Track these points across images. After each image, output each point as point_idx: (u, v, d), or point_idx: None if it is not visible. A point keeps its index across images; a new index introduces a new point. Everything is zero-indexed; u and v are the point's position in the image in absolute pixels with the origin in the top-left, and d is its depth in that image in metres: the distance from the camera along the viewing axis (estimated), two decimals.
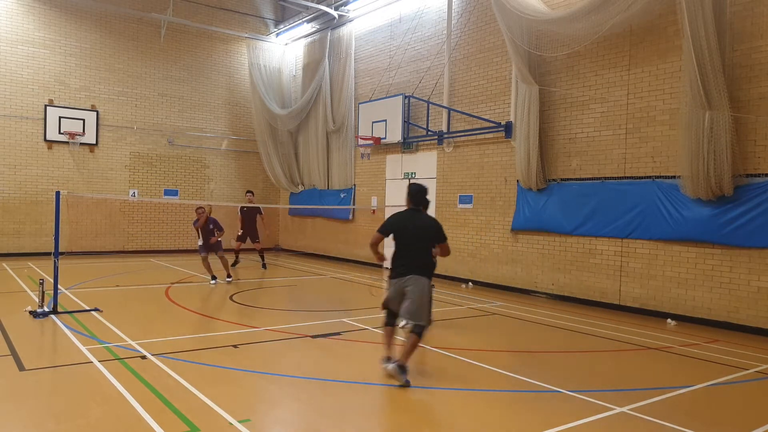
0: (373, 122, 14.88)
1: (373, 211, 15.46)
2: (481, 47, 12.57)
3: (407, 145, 14.41)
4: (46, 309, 8.05)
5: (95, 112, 16.43)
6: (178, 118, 17.87)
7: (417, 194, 5.84)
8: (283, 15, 19.12)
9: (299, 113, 17.85)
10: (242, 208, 14.22)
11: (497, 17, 11.12)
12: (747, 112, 8.27)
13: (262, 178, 19.37)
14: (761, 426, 4.67)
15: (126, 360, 5.96)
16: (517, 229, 11.61)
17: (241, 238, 14.05)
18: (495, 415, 4.85)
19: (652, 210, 9.37)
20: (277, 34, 18.92)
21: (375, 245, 5.77)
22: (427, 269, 5.70)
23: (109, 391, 5.01)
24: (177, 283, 11.55)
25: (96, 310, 8.44)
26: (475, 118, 12.51)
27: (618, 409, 4.92)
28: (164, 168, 17.70)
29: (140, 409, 4.59)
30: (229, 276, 11.85)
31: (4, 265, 13.56)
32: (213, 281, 11.55)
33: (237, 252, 14.18)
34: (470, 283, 12.49)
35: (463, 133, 12.89)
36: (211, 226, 11.62)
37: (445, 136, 13.28)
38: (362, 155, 15.20)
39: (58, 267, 8.44)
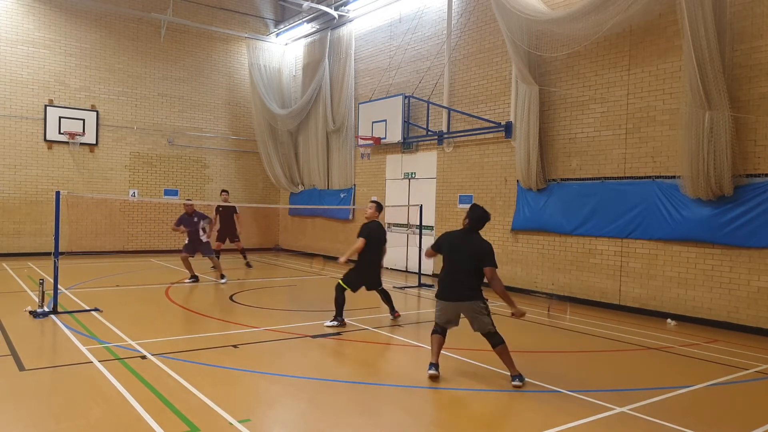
0: (373, 122, 14.88)
1: None
2: (481, 47, 12.57)
3: (407, 145, 14.41)
4: (46, 309, 8.06)
5: (95, 112, 16.43)
6: (178, 118, 17.87)
7: (479, 220, 5.79)
8: (283, 15, 19.12)
9: (299, 113, 17.85)
10: (218, 207, 14.11)
11: (497, 17, 11.12)
12: (747, 112, 8.27)
13: (262, 178, 19.37)
14: (761, 426, 4.68)
15: (126, 360, 5.96)
16: (517, 229, 11.61)
17: (219, 238, 13.93)
18: (495, 414, 4.85)
19: (652, 210, 9.37)
20: (277, 34, 18.92)
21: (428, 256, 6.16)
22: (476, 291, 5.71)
23: (109, 391, 5.01)
24: (177, 283, 11.55)
25: (96, 310, 8.44)
26: (475, 118, 12.51)
27: (618, 409, 4.92)
28: (164, 168, 17.71)
29: (140, 409, 4.59)
30: (222, 277, 11.83)
31: (4, 265, 13.56)
32: (191, 280, 11.61)
33: (217, 253, 14.03)
34: None
35: (463, 133, 12.89)
36: (195, 219, 11.59)
37: (445, 136, 13.28)
38: (362, 155, 15.20)
39: (58, 267, 8.44)
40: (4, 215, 15.33)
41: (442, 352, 5.85)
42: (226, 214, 13.99)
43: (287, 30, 18.46)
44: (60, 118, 15.83)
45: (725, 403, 5.41)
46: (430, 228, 13.59)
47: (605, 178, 10.13)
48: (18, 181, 15.47)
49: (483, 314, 5.64)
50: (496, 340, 5.64)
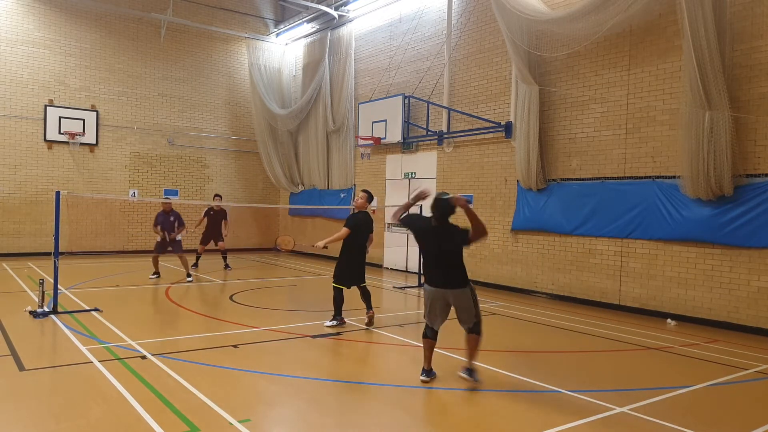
0: (373, 122, 14.88)
1: (373, 211, 15.42)
2: (481, 47, 12.57)
3: (407, 145, 14.41)
4: (46, 309, 8.06)
5: (95, 112, 16.43)
6: (178, 118, 17.87)
7: (445, 213, 5.72)
8: (283, 15, 19.12)
9: (299, 113, 17.85)
10: (209, 210, 14.00)
11: (497, 17, 11.12)
12: (747, 112, 8.27)
13: (262, 178, 19.37)
14: (761, 426, 4.67)
15: (126, 360, 5.96)
16: (517, 229, 11.61)
17: (203, 241, 13.86)
18: (495, 414, 4.85)
19: (652, 210, 9.37)
20: (277, 34, 18.92)
21: None
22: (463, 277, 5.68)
23: (109, 391, 5.01)
24: (177, 283, 11.55)
25: (96, 310, 8.44)
26: (475, 118, 12.51)
27: (618, 409, 4.92)
28: (164, 168, 17.71)
29: (140, 408, 4.59)
30: (189, 276, 11.83)
31: (4, 265, 13.56)
32: (154, 276, 11.86)
33: (199, 254, 13.90)
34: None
35: (463, 133, 12.89)
36: (172, 218, 11.68)
37: (445, 136, 13.28)
38: (362, 155, 15.20)
39: (58, 267, 8.44)
40: (4, 215, 15.33)
41: (441, 352, 5.84)
42: (216, 218, 13.92)
43: (287, 30, 18.46)
44: (60, 118, 15.83)
45: (725, 403, 5.41)
46: None
47: (605, 178, 10.13)
48: (18, 181, 15.47)
49: (471, 306, 5.59)
50: (474, 329, 5.59)
